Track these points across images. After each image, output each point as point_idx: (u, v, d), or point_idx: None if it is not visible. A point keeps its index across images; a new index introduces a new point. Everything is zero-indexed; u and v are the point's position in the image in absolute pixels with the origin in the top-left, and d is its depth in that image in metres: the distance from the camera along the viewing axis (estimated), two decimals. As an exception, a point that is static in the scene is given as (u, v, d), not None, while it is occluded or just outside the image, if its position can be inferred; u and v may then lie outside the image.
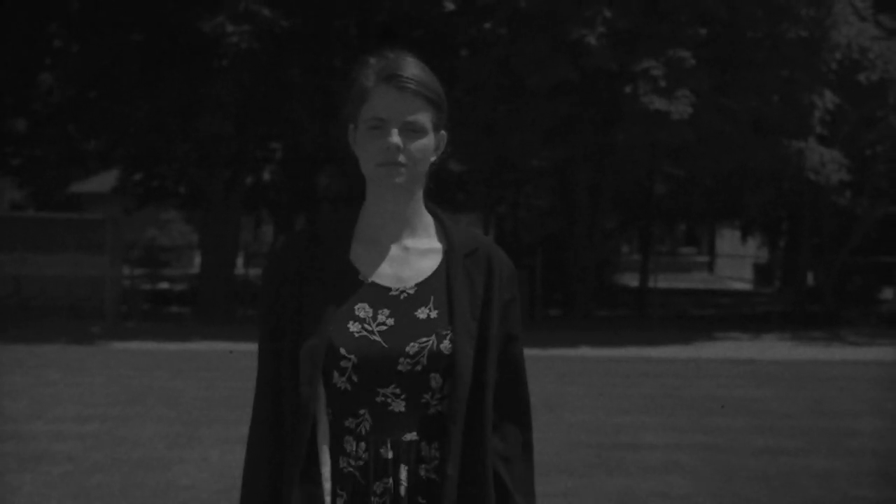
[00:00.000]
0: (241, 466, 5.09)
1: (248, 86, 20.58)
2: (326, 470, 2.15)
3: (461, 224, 2.36)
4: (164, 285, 30.21)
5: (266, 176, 32.78)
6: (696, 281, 43.36)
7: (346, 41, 22.44)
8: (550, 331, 20.02)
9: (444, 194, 29.58)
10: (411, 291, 2.20)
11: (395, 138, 2.14)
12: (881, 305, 27.01)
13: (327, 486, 2.15)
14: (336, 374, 2.15)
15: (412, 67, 2.18)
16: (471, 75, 20.65)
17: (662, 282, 33.47)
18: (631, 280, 35.02)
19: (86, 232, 23.22)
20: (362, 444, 2.17)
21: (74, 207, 37.46)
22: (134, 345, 17.10)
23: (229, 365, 14.10)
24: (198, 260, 46.67)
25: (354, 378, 2.15)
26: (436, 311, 2.17)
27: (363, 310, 2.17)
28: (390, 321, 2.17)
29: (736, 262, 45.64)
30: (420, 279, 2.20)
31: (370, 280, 2.20)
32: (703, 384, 13.00)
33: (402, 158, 2.15)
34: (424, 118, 2.17)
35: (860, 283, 27.22)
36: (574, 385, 12.59)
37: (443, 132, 2.26)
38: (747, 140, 20.11)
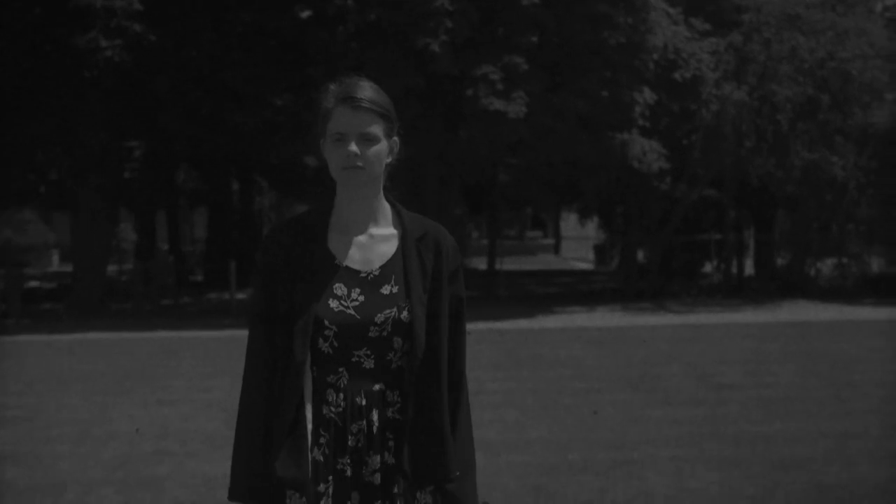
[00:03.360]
0: (164, 422, 7.48)
1: (117, 94, 22.04)
2: (310, 414, 2.60)
3: (413, 212, 2.79)
4: (33, 284, 31.12)
5: (126, 174, 33.81)
6: (542, 262, 46.02)
7: (208, 50, 23.99)
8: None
9: (302, 187, 31.35)
10: (376, 273, 2.64)
11: (354, 147, 2.57)
12: (702, 279, 30.00)
13: (310, 426, 2.59)
14: (321, 340, 2.59)
15: (364, 89, 2.62)
16: (325, 83, 22.57)
17: (510, 264, 35.88)
18: (480, 264, 37.35)
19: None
20: (341, 395, 2.60)
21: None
22: (22, 338, 18.43)
23: (121, 350, 15.77)
24: (56, 259, 47.15)
25: (335, 343, 2.60)
26: (396, 287, 2.62)
27: (340, 289, 2.61)
28: (361, 297, 2.61)
29: (580, 243, 48.56)
30: (383, 262, 2.65)
31: (344, 264, 2.64)
32: (538, 347, 15.29)
33: (360, 163, 2.58)
34: (377, 129, 2.61)
35: (683, 259, 30.16)
36: (429, 352, 14.72)
37: (395, 138, 2.69)
38: (576, 134, 22.53)
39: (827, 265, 29.20)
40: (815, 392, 10.60)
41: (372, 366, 2.61)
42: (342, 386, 2.61)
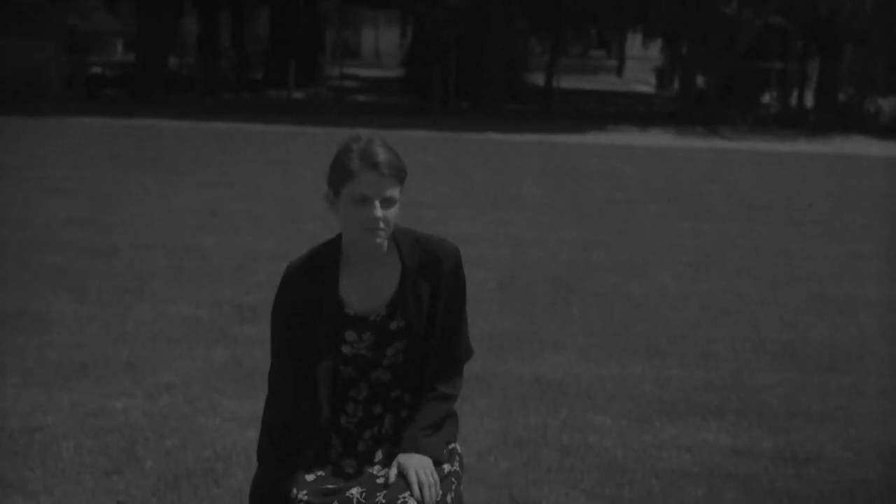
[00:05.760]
0: (216, 201, 7.87)
1: None
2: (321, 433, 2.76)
3: (409, 233, 2.84)
4: (96, 70, 31.58)
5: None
6: (603, 83, 45.62)
7: None
8: (461, 119, 22.35)
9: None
10: (383, 313, 2.78)
11: (379, 212, 2.67)
12: (761, 108, 29.75)
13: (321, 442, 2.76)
14: (341, 369, 2.83)
15: (386, 154, 2.70)
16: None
17: (571, 82, 35.65)
18: (539, 79, 37.16)
19: (27, 17, 24.50)
20: (360, 406, 2.82)
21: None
22: (86, 119, 18.95)
23: (180, 136, 16.28)
24: (120, 48, 47.50)
25: (353, 372, 2.83)
26: (403, 322, 2.77)
27: (351, 335, 2.78)
28: (372, 338, 2.78)
29: (642, 65, 47.90)
30: (387, 299, 2.78)
31: (353, 312, 2.78)
32: (583, 161, 15.55)
33: (382, 225, 2.68)
34: (396, 192, 2.70)
35: (743, 86, 29.85)
36: (476, 157, 15.10)
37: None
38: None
39: (889, 103, 28.80)
40: (845, 218, 10.85)
41: (390, 378, 2.83)
42: (361, 398, 2.83)
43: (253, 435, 4.13)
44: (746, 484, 3.97)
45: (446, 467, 2.73)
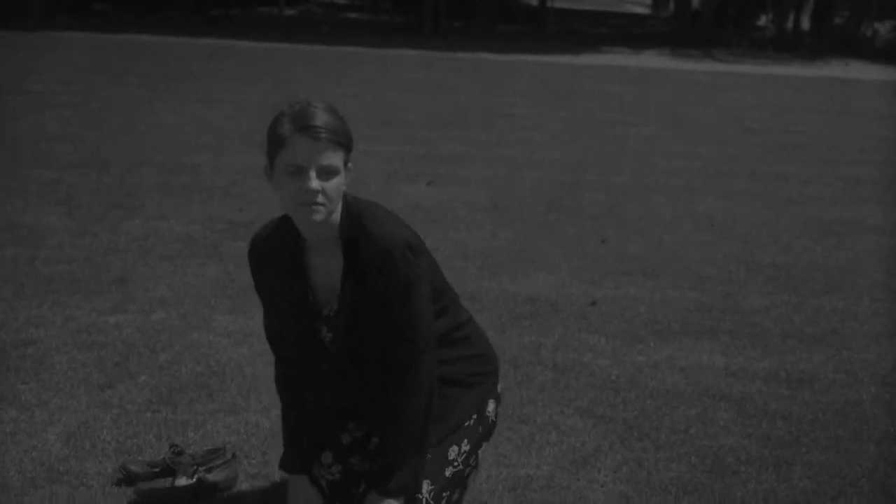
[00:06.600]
0: (205, 117, 7.75)
1: None
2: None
3: (351, 214, 2.52)
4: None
5: None
6: (597, 3, 45.13)
7: None
8: (453, 39, 22.12)
9: None
10: (335, 306, 2.57)
11: (314, 183, 2.36)
12: (756, 31, 29.48)
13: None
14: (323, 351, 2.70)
15: (323, 116, 2.39)
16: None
17: (563, 2, 35.30)
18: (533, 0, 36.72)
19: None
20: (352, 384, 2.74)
21: None
22: (73, 35, 18.70)
23: (169, 52, 16.07)
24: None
25: (336, 359, 2.70)
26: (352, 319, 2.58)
27: (318, 322, 2.63)
28: (330, 335, 2.63)
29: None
30: (336, 294, 2.56)
31: (313, 300, 2.61)
32: (576, 81, 15.43)
33: (320, 199, 2.37)
34: (337, 160, 2.38)
35: (739, 8, 29.55)
36: (467, 77, 14.97)
37: (350, 165, 2.46)
38: None
39: (885, 26, 28.57)
40: (840, 142, 10.80)
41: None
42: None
43: (246, 351, 4.14)
44: (740, 404, 3.97)
45: (425, 487, 2.60)
